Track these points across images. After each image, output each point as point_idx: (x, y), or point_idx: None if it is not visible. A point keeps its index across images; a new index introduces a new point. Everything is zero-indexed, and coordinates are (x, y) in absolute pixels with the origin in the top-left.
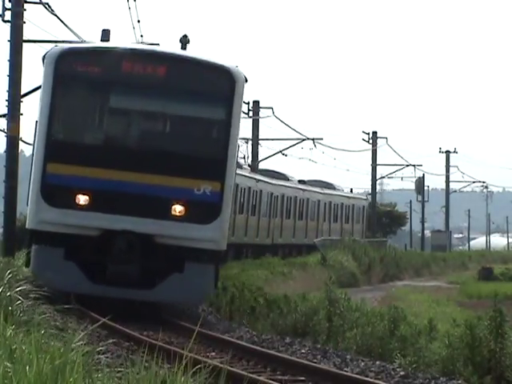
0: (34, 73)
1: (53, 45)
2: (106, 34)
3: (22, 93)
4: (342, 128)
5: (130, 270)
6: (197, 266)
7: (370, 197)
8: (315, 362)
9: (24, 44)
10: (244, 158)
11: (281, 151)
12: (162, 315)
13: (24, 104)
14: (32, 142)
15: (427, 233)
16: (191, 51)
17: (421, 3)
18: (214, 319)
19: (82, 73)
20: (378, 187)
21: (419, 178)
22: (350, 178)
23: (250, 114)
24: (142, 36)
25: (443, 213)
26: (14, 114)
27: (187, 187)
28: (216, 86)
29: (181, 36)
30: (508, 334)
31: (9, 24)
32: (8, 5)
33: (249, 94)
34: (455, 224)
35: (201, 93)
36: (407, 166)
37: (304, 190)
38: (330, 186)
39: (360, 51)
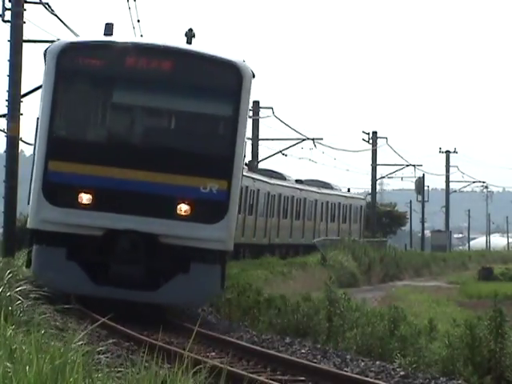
0: (34, 73)
1: None
2: (109, 28)
3: (22, 93)
4: (342, 128)
5: (133, 271)
6: (203, 267)
7: (369, 197)
8: (315, 362)
9: (24, 44)
10: None
11: (281, 151)
12: (161, 315)
13: (24, 104)
14: (33, 140)
15: (427, 233)
16: (197, 46)
17: (421, 3)
18: (213, 319)
19: (84, 68)
20: (378, 187)
21: (419, 177)
22: (350, 178)
23: (250, 113)
24: (141, 36)
25: (443, 213)
26: (13, 114)
27: (193, 185)
28: (223, 81)
29: (186, 30)
30: (508, 333)
31: (9, 24)
32: (8, 5)
33: None
34: (455, 224)
35: (207, 88)
36: (407, 165)
37: (301, 190)
38: (327, 185)
39: (360, 51)
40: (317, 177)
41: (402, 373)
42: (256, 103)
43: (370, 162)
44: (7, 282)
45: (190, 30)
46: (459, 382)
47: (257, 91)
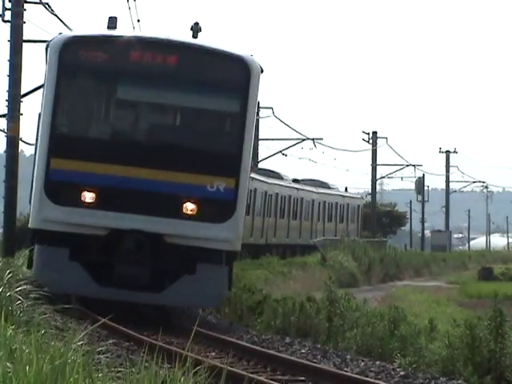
0: (34, 73)
1: None
2: (112, 22)
3: (22, 93)
4: (342, 128)
5: (138, 272)
6: (209, 268)
7: (369, 197)
8: (315, 362)
9: (24, 44)
10: None
11: (281, 151)
12: (162, 316)
13: (24, 104)
14: (33, 139)
15: (427, 233)
16: (203, 40)
17: (421, 3)
18: (213, 319)
19: (88, 62)
20: (377, 187)
21: (419, 177)
22: (350, 178)
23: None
24: None
25: (443, 213)
26: (13, 114)
27: (199, 184)
28: (230, 76)
29: (192, 24)
30: (508, 333)
31: (9, 24)
32: (8, 5)
33: None
34: (455, 224)
35: (214, 84)
36: (407, 165)
37: (298, 189)
38: (324, 185)
39: (360, 51)
40: (317, 177)
41: (402, 373)
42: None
43: (370, 162)
44: (7, 281)
45: (196, 23)
46: (459, 382)
47: None
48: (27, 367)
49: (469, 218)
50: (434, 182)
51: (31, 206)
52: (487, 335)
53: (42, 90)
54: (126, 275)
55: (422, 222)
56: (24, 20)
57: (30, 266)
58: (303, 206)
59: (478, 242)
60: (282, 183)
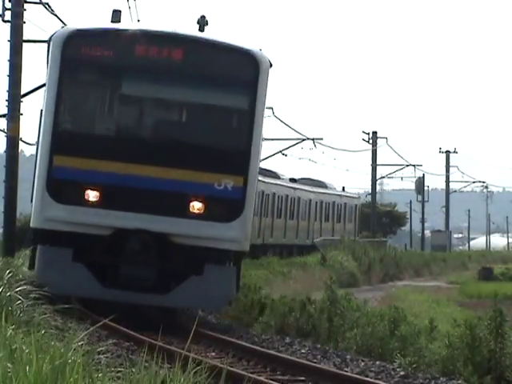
0: (34, 73)
1: None
2: (116, 15)
3: (22, 93)
4: (342, 128)
5: (144, 273)
6: (217, 269)
7: (369, 197)
8: (315, 362)
9: (24, 44)
10: None
11: (281, 151)
12: (164, 317)
13: (24, 104)
14: (34, 137)
15: (427, 233)
16: (211, 33)
17: (421, 3)
18: (213, 319)
19: (91, 57)
20: (377, 187)
21: (419, 177)
22: (350, 178)
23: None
24: None
25: (443, 213)
26: (13, 114)
27: (207, 182)
28: (238, 71)
29: (198, 17)
30: (508, 333)
31: (9, 24)
32: (8, 5)
33: None
34: (455, 224)
35: (222, 79)
36: (407, 165)
37: (295, 189)
38: (321, 184)
39: (360, 51)
40: (317, 177)
41: (402, 373)
42: None
43: (370, 162)
44: (7, 281)
45: (203, 17)
46: (459, 382)
47: None
48: (27, 367)
49: (469, 218)
50: (434, 182)
51: (33, 204)
52: (487, 335)
53: (42, 89)
54: (131, 276)
55: (422, 222)
56: (24, 20)
57: (31, 267)
58: (300, 206)
59: (478, 242)
60: (278, 182)
